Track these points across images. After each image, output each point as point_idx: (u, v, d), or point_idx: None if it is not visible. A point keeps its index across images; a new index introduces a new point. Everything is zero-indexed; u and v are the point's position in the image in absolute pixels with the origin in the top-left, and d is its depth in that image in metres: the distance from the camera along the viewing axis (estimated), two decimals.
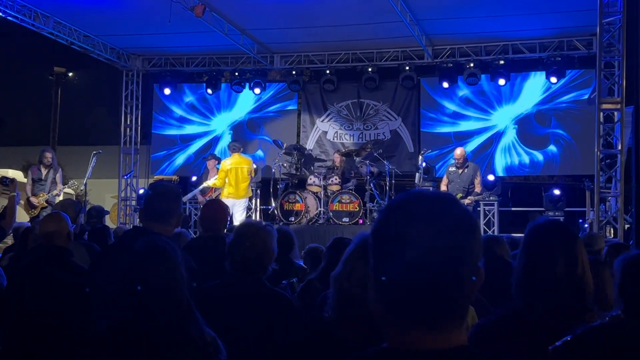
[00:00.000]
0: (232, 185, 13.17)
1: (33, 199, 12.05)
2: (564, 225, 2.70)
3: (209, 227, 5.23)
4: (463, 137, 16.01)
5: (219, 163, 14.21)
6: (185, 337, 2.59)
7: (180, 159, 17.66)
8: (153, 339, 2.53)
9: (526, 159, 15.65)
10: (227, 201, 12.28)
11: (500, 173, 15.47)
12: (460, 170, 12.64)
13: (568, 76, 15.21)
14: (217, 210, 5.47)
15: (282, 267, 5.10)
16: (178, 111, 17.78)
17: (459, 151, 12.89)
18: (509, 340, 2.21)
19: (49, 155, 12.39)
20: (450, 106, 16.19)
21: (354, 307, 2.60)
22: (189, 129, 17.75)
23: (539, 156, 15.57)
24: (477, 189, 12.67)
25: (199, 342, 2.62)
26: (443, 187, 12.77)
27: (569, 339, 2.10)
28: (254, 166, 13.45)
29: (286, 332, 3.35)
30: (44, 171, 12.26)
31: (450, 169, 12.89)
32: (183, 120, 17.76)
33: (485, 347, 2.11)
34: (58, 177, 12.35)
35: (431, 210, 1.39)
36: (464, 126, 16.12)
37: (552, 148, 15.47)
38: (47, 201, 11.92)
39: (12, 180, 6.38)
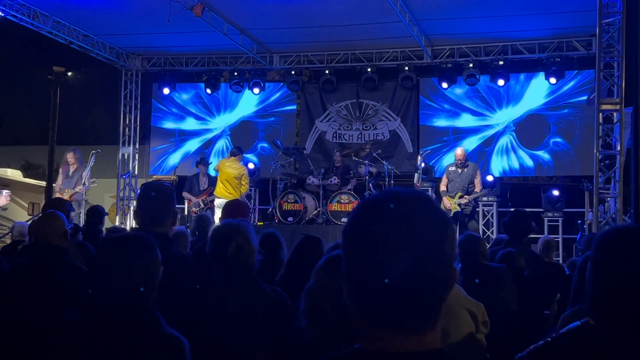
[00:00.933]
0: (222, 185, 13.24)
1: (58, 195, 12.70)
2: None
3: None
4: (461, 133, 16.04)
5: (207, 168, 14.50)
6: (150, 334, 2.60)
7: (177, 157, 17.62)
8: (119, 330, 2.55)
9: (524, 160, 15.64)
10: (218, 200, 12.93)
11: (497, 173, 15.44)
12: (460, 170, 12.63)
13: (574, 80, 15.22)
14: (237, 208, 5.59)
15: (275, 266, 5.13)
16: (177, 110, 17.77)
17: (459, 151, 12.88)
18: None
19: (69, 155, 13.42)
20: (449, 105, 16.18)
21: (327, 320, 2.60)
22: (188, 126, 17.75)
23: (538, 157, 15.55)
24: (477, 188, 12.66)
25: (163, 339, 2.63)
26: (442, 187, 12.76)
27: (533, 348, 1.98)
28: (244, 173, 13.41)
29: (284, 328, 3.35)
30: (71, 169, 13.26)
31: (450, 169, 12.87)
32: (181, 118, 17.76)
33: None
34: (85, 174, 13.13)
35: (403, 209, 1.36)
36: (463, 122, 16.12)
37: (550, 149, 15.45)
38: (70, 197, 12.73)
39: None
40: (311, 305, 2.67)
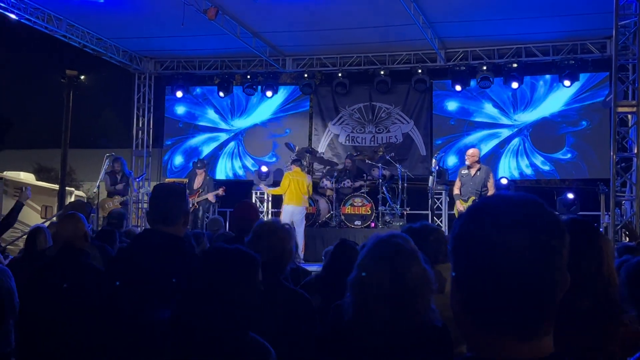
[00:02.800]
0: (295, 194, 13.12)
1: (107, 201, 13.59)
2: (587, 223, 2.60)
3: (241, 225, 5.31)
4: (474, 126, 16.09)
5: (202, 170, 14.49)
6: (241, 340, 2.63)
7: (189, 159, 17.63)
8: (209, 333, 2.56)
9: (538, 163, 15.56)
10: (288, 207, 12.79)
11: (510, 175, 15.35)
12: (472, 172, 12.43)
13: (589, 83, 15.16)
14: (247, 209, 5.59)
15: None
16: (189, 113, 17.80)
17: (471, 151, 12.64)
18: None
19: (116, 164, 13.81)
20: (463, 106, 16.16)
21: (371, 311, 2.59)
22: (200, 129, 17.80)
23: (552, 161, 15.48)
24: (491, 191, 12.49)
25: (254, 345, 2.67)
26: (456, 190, 12.60)
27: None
28: (309, 181, 13.39)
29: (307, 332, 3.33)
30: (118, 177, 13.74)
31: (462, 172, 12.67)
32: (194, 121, 17.81)
33: None
34: (130, 181, 13.76)
35: (521, 214, 1.35)
36: (476, 123, 16.10)
37: (565, 152, 15.37)
38: (121, 203, 13.43)
39: (22, 189, 7.05)
40: (358, 293, 2.67)
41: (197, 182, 14.26)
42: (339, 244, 4.90)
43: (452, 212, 13.59)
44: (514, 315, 1.32)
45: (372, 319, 2.60)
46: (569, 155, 15.37)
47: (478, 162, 12.44)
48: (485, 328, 1.35)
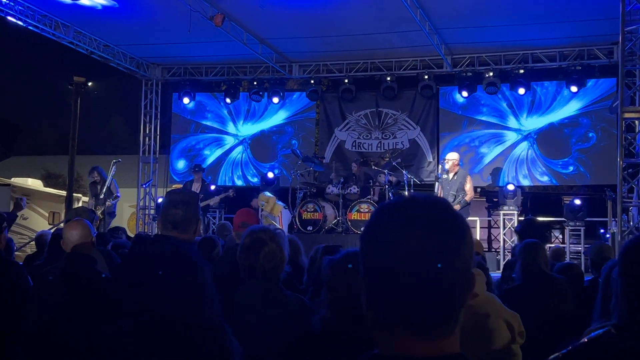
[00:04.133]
0: None
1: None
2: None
3: (241, 233, 5.34)
4: (477, 124, 16.10)
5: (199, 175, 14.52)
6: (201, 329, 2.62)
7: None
8: (169, 334, 2.55)
9: (545, 170, 15.51)
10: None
11: (517, 182, 15.30)
12: (450, 176, 12.35)
13: (596, 89, 15.11)
14: (247, 216, 5.60)
15: (296, 271, 5.17)
16: (196, 119, 17.83)
17: (451, 155, 12.54)
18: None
19: (95, 173, 13.29)
20: (468, 113, 16.14)
21: (346, 308, 2.61)
22: (207, 135, 17.80)
23: (559, 167, 15.43)
24: (469, 195, 12.31)
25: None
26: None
27: (553, 357, 1.95)
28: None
29: (304, 335, 3.34)
30: (98, 186, 13.17)
31: (442, 176, 12.60)
32: (200, 127, 17.83)
33: None
34: (113, 187, 13.12)
35: (420, 214, 1.36)
36: (482, 130, 16.09)
37: (572, 159, 15.32)
38: (102, 212, 12.73)
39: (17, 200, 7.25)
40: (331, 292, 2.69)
41: (195, 188, 14.25)
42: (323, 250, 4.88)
43: None
44: (412, 314, 1.33)
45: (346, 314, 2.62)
46: (576, 161, 15.30)
47: (457, 165, 12.40)
48: (388, 326, 1.36)
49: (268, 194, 13.45)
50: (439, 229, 1.34)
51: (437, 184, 13.00)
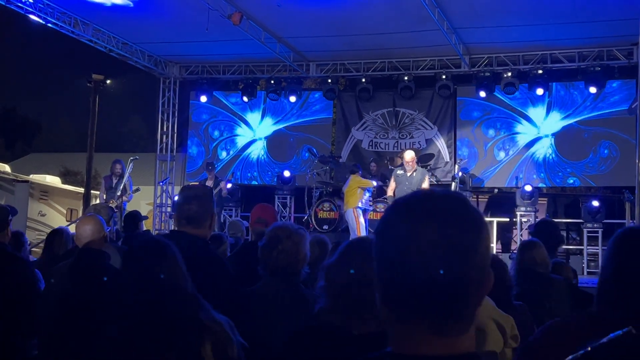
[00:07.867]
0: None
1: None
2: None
3: (258, 229, 5.34)
4: (495, 126, 16.04)
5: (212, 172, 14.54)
6: (195, 322, 2.64)
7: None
8: (162, 327, 2.59)
9: (564, 171, 15.41)
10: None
11: (534, 183, 15.21)
12: (408, 173, 12.25)
13: (616, 90, 15.00)
14: (265, 211, 5.62)
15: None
16: (213, 118, 17.88)
17: (408, 155, 12.40)
18: (577, 342, 2.04)
19: (118, 166, 13.42)
20: (487, 114, 16.07)
21: (343, 296, 2.58)
22: (224, 134, 17.85)
23: (578, 168, 15.33)
24: None
25: (211, 324, 2.68)
26: (390, 192, 12.41)
27: (578, 355, 1.93)
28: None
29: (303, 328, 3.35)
30: (114, 180, 13.26)
31: (397, 172, 12.47)
32: (218, 125, 17.88)
33: (550, 344, 2.04)
34: (127, 184, 13.24)
35: (435, 209, 1.33)
36: (500, 130, 16.04)
37: (591, 160, 15.21)
38: (116, 207, 12.71)
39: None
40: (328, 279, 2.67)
41: (208, 185, 14.28)
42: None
43: None
44: (427, 311, 1.30)
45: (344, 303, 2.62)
46: (594, 163, 15.19)
47: (415, 164, 12.34)
48: (402, 322, 1.34)
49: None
50: (454, 224, 1.31)
51: (453, 183, 12.98)
